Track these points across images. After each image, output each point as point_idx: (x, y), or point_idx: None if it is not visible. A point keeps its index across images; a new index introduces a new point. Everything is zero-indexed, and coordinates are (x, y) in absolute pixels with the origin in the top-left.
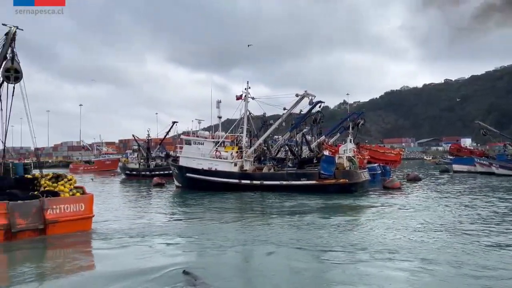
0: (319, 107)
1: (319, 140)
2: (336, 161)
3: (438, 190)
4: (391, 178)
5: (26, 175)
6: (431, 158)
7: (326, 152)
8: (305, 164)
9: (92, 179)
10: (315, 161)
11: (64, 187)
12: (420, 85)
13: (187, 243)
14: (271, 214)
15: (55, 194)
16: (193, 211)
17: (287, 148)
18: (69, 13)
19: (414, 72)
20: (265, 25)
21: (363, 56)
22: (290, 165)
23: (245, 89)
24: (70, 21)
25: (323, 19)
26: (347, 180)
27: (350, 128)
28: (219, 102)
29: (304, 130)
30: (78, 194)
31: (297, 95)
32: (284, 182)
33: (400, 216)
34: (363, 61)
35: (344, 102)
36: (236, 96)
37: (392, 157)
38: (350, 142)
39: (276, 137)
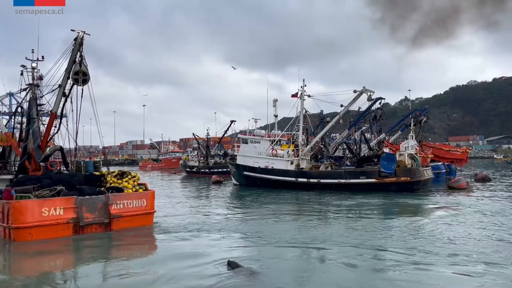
0: (379, 103)
1: (379, 138)
2: (397, 159)
3: (510, 191)
4: (457, 178)
5: (94, 172)
6: (502, 157)
7: (386, 150)
8: (364, 162)
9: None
10: (375, 159)
11: (128, 183)
12: (489, 79)
13: (243, 238)
14: (328, 213)
15: (120, 190)
16: (249, 208)
17: (345, 146)
18: (131, 18)
19: (481, 66)
20: (319, 22)
21: (423, 50)
22: (348, 163)
23: (301, 87)
24: (132, 26)
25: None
26: (408, 178)
27: (412, 125)
28: (275, 101)
29: (363, 127)
30: (140, 190)
31: (355, 92)
32: (342, 181)
33: (466, 218)
34: (424, 56)
35: (406, 99)
36: (292, 94)
37: (457, 155)
38: (412, 139)
39: (334, 135)
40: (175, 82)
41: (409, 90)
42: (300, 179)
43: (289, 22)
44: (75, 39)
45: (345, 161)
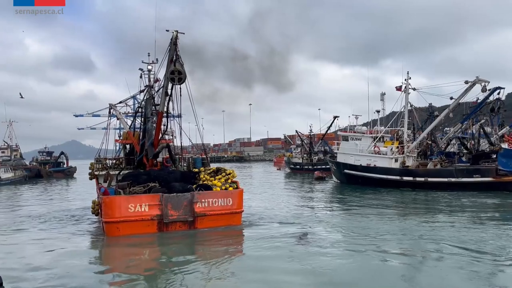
0: (498, 93)
1: (501, 131)
2: None
3: None
4: None
5: (193, 169)
6: None
7: (505, 145)
8: (481, 159)
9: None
10: (493, 156)
11: (220, 181)
12: None
13: (342, 235)
14: (436, 213)
15: (208, 188)
16: (350, 205)
17: (459, 142)
18: (219, 26)
19: None
20: (412, 13)
21: None
22: (464, 160)
23: (405, 79)
24: (224, 33)
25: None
26: None
27: None
28: (383, 94)
29: (482, 121)
30: (231, 188)
31: (466, 82)
32: (453, 180)
33: None
34: None
35: None
36: (396, 87)
37: None
38: None
39: (447, 129)
40: (271, 81)
41: None
42: (405, 178)
43: (378, 15)
44: (171, 39)
45: (460, 157)
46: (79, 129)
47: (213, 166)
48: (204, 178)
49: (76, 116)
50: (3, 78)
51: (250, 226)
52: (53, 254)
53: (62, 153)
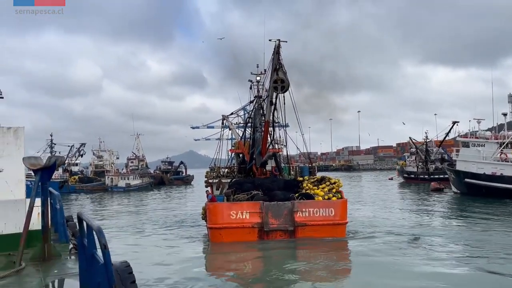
0: None
1: None
2: None
3: None
4: None
5: (297, 178)
6: None
7: None
8: None
9: None
10: None
11: (323, 190)
12: None
13: (458, 246)
14: None
15: (310, 197)
16: (471, 217)
17: None
18: (321, 34)
19: None
20: None
21: None
22: None
23: None
24: (323, 40)
25: None
26: None
27: None
28: (511, 96)
29: None
30: (334, 198)
31: None
32: None
33: None
34: None
35: None
36: None
37: None
38: None
39: None
40: (376, 88)
41: None
42: None
43: (490, 12)
44: (274, 48)
45: None
46: (195, 140)
47: (319, 175)
48: (307, 187)
49: (193, 128)
50: (132, 96)
51: (356, 237)
52: (168, 255)
53: (181, 162)
